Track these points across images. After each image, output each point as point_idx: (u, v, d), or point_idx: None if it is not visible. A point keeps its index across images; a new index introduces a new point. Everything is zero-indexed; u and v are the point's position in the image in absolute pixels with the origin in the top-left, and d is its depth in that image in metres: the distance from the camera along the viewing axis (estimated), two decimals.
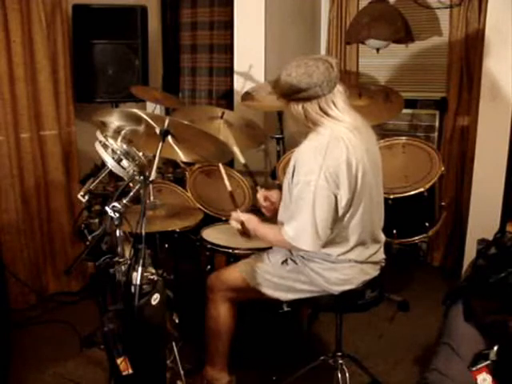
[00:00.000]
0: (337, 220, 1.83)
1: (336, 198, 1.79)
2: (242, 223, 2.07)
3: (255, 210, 2.89)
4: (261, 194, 2.27)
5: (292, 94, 1.80)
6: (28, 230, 3.09)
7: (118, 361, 1.56)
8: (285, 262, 2.01)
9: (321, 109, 1.81)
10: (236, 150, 2.65)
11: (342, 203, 1.80)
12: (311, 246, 1.80)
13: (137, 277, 1.61)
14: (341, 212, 1.82)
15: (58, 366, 2.52)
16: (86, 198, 2.07)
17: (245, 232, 2.09)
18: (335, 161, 1.77)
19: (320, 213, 1.76)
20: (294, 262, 1.99)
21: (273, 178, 3.30)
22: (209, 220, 2.72)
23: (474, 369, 1.72)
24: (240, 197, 3.07)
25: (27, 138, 3.02)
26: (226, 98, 4.00)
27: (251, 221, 2.05)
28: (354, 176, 1.81)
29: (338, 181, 1.77)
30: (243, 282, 2.07)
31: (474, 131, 3.15)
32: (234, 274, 2.11)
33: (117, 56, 3.34)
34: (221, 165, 2.65)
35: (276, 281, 2.02)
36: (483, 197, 3.06)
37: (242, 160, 2.68)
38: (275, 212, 2.10)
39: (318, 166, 1.75)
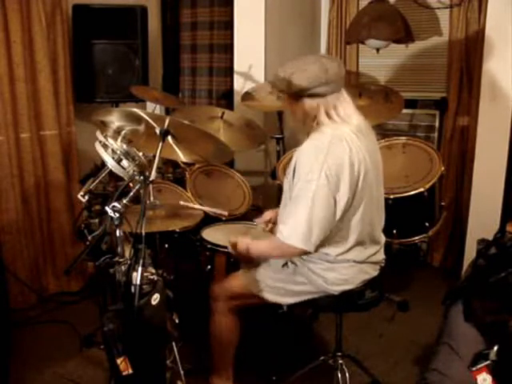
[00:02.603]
0: (334, 223, 1.81)
1: (335, 200, 1.77)
2: (235, 246, 2.02)
3: (255, 209, 2.89)
4: (260, 222, 2.26)
5: (309, 89, 1.78)
6: (28, 230, 3.09)
7: (118, 361, 1.56)
8: (285, 264, 2.00)
9: (333, 106, 1.81)
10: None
11: (341, 204, 1.78)
12: (303, 244, 1.76)
13: (137, 277, 1.61)
14: (339, 214, 1.79)
15: (58, 365, 2.52)
16: (86, 198, 2.07)
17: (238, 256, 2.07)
18: (337, 160, 1.76)
19: (318, 212, 1.74)
20: (294, 263, 1.98)
21: (273, 178, 3.30)
22: (209, 220, 2.72)
23: (474, 369, 1.72)
24: (240, 197, 3.07)
25: (27, 138, 3.02)
26: (226, 98, 4.00)
27: (243, 243, 1.99)
28: (356, 176, 1.80)
29: (338, 181, 1.76)
30: (245, 290, 2.06)
31: (474, 131, 3.15)
32: (235, 282, 2.11)
33: (117, 56, 3.34)
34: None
35: (277, 285, 2.01)
36: (483, 197, 3.07)
37: None
38: None
39: (319, 165, 1.74)
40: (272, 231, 2.19)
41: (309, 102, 1.81)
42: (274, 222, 2.19)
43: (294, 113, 1.89)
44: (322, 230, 1.77)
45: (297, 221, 1.76)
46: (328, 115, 1.82)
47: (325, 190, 1.74)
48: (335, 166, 1.75)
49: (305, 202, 1.75)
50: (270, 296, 2.03)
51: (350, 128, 1.83)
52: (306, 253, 1.81)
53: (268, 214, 2.25)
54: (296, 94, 1.82)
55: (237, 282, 2.11)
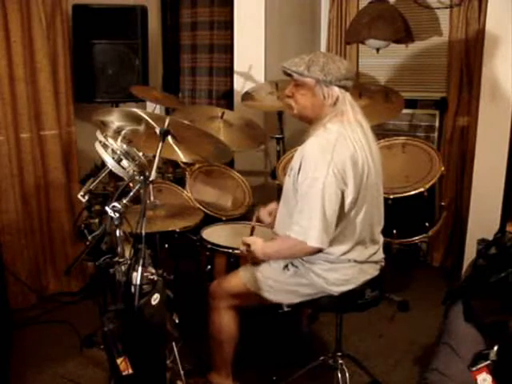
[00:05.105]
0: (342, 217, 1.83)
1: (343, 194, 1.79)
2: (249, 246, 2.03)
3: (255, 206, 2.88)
4: (263, 212, 2.26)
5: (346, 78, 1.83)
6: (28, 230, 3.09)
7: (118, 361, 1.56)
8: (286, 267, 2.00)
9: (349, 101, 1.87)
10: None
11: (348, 200, 1.81)
12: (320, 242, 1.78)
13: (137, 277, 1.61)
14: (347, 208, 1.82)
15: (58, 365, 2.52)
16: (86, 198, 2.07)
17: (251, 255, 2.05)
18: (343, 156, 1.78)
19: (329, 209, 1.76)
20: (295, 266, 1.98)
21: (273, 178, 3.30)
22: (209, 220, 2.72)
23: (474, 369, 1.72)
24: (240, 197, 3.07)
25: (27, 137, 3.02)
26: (226, 98, 4.00)
27: (257, 243, 2.00)
28: (360, 175, 1.82)
29: (345, 177, 1.78)
30: (244, 288, 2.06)
31: (474, 131, 3.15)
32: (235, 281, 2.11)
33: (117, 56, 3.34)
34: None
35: (277, 286, 2.01)
36: (483, 197, 3.07)
37: None
38: None
39: (326, 163, 1.76)
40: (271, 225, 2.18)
41: (336, 91, 1.83)
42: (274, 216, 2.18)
43: (306, 101, 1.88)
44: (334, 227, 1.80)
45: (310, 219, 1.77)
46: (347, 107, 1.85)
47: (333, 187, 1.76)
48: (341, 163, 1.77)
49: (315, 201, 1.76)
50: (270, 295, 2.03)
51: (356, 126, 1.85)
52: (317, 251, 1.81)
53: (272, 206, 2.25)
54: (326, 82, 1.82)
55: (236, 280, 2.10)
